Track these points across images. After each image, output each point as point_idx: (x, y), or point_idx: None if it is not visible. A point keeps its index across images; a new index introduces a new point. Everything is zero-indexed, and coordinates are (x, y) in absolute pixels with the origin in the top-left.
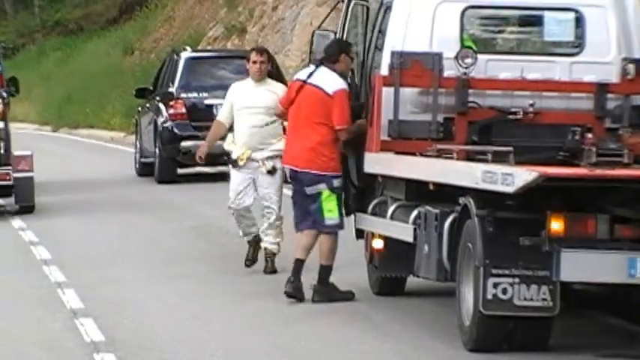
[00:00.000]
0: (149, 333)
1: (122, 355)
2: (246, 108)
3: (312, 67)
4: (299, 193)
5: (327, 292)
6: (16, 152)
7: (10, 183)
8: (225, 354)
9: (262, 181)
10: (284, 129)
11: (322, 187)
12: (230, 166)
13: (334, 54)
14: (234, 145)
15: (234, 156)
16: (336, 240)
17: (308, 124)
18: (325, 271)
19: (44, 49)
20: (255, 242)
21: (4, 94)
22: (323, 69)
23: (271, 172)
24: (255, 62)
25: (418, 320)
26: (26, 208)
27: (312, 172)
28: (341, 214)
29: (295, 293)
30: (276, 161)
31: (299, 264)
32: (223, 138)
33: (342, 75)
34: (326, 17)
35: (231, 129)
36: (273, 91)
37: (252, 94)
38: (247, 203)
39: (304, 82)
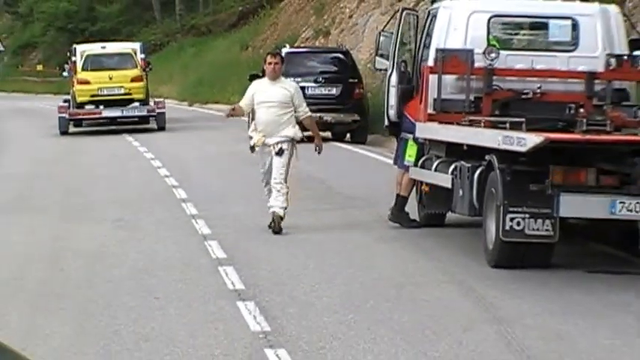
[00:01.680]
0: (262, 251)
1: (239, 267)
2: (264, 102)
3: None
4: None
5: (400, 217)
6: (155, 99)
7: (154, 114)
8: (303, 265)
9: (273, 160)
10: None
11: (409, 136)
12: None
13: None
14: (254, 132)
15: (251, 143)
16: (411, 180)
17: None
18: (401, 200)
19: (183, 46)
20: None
21: (147, 70)
22: None
23: (279, 153)
24: (270, 64)
25: (455, 245)
26: (162, 128)
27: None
28: (417, 160)
29: (397, 220)
30: (283, 144)
31: (401, 200)
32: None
33: None
34: (386, 24)
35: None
36: (286, 88)
37: (269, 91)
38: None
39: None
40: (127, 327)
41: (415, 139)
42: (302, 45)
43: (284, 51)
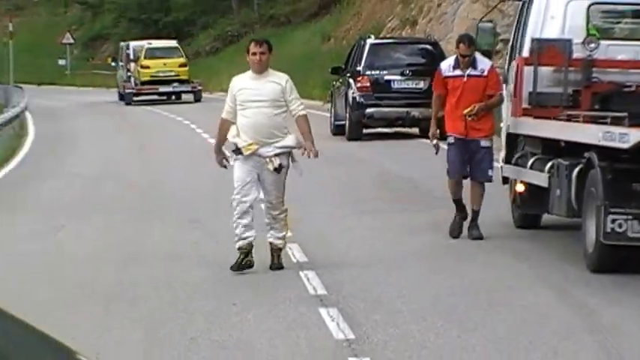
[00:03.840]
0: (345, 255)
1: (321, 272)
2: (251, 102)
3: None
4: None
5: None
6: (194, 80)
7: (196, 90)
8: (389, 269)
9: (267, 177)
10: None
11: None
12: (233, 155)
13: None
14: (239, 138)
15: (240, 145)
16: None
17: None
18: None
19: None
20: (247, 251)
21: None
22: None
23: (278, 169)
24: (254, 54)
25: (552, 248)
26: (197, 100)
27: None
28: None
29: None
30: (282, 158)
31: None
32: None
33: None
34: (486, 14)
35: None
36: (276, 82)
37: (256, 88)
38: (252, 196)
39: None
40: (203, 334)
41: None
42: (387, 36)
43: (369, 42)
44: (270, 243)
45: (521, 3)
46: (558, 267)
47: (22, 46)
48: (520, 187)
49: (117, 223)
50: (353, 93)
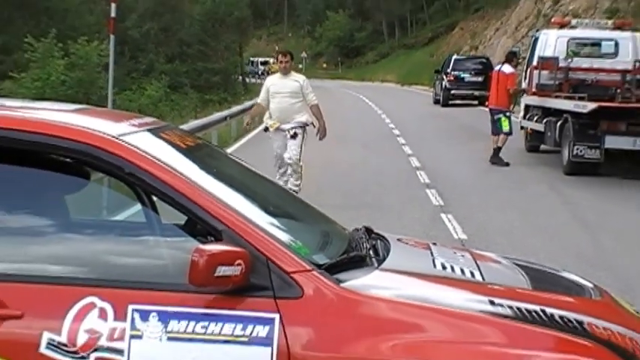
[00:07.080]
0: (436, 161)
1: (427, 171)
2: (278, 93)
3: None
4: (492, 119)
5: (498, 160)
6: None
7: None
8: (462, 169)
9: (288, 142)
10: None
11: (500, 115)
12: (266, 132)
13: (509, 58)
14: (269, 119)
15: (268, 124)
16: (506, 139)
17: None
18: (497, 149)
19: (398, 55)
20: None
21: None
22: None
23: (293, 136)
24: (281, 62)
25: (545, 162)
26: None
27: (497, 107)
28: (510, 127)
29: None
30: (297, 129)
31: (497, 149)
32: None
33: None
34: (514, 44)
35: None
36: (296, 80)
37: (282, 84)
38: (285, 156)
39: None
40: (354, 198)
41: (506, 116)
42: (463, 54)
43: (453, 57)
44: (290, 188)
45: (533, 39)
46: (548, 172)
47: None
48: (529, 131)
49: (325, 145)
50: (445, 83)
